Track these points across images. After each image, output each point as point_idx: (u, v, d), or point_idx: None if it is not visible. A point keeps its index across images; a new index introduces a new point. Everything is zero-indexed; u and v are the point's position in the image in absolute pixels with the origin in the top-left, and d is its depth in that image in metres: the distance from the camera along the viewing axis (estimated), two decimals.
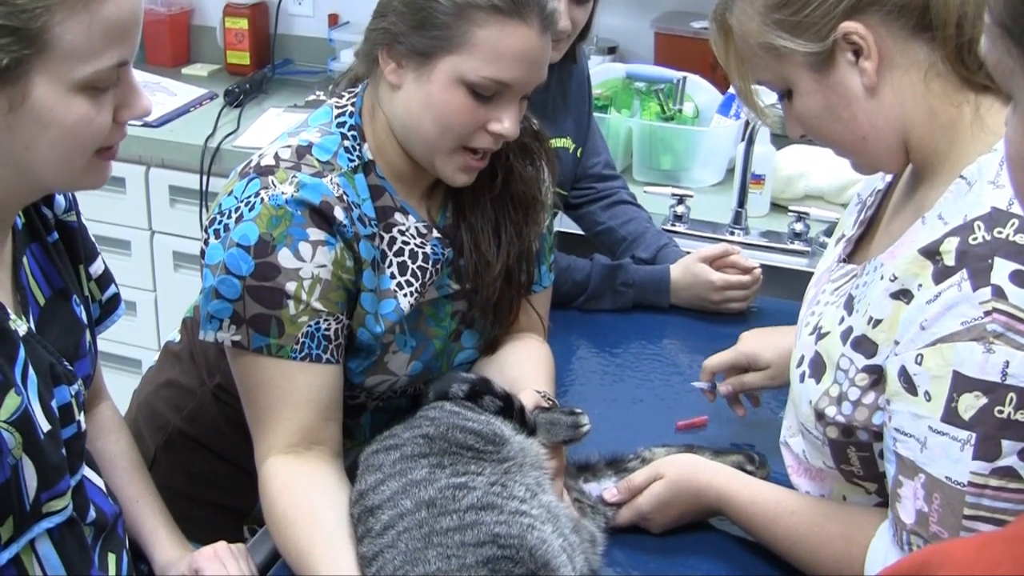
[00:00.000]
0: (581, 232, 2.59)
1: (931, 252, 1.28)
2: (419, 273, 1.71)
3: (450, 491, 1.42)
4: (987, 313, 1.21)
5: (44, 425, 1.33)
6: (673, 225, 2.77)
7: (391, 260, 1.70)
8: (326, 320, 1.60)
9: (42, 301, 1.43)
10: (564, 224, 2.58)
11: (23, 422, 1.29)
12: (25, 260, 1.42)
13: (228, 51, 3.83)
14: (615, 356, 2.16)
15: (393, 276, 1.70)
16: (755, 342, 1.89)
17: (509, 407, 1.58)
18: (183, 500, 1.79)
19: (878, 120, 1.39)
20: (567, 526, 1.47)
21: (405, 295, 1.70)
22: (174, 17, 3.90)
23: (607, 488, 1.66)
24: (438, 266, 1.74)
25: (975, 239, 1.24)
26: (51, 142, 1.25)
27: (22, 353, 1.32)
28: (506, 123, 1.63)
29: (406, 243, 1.71)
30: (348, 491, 1.54)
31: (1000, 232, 1.23)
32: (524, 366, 1.82)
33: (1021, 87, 0.96)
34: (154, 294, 3.51)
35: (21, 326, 1.35)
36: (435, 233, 1.74)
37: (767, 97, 1.57)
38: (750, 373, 1.86)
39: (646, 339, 2.22)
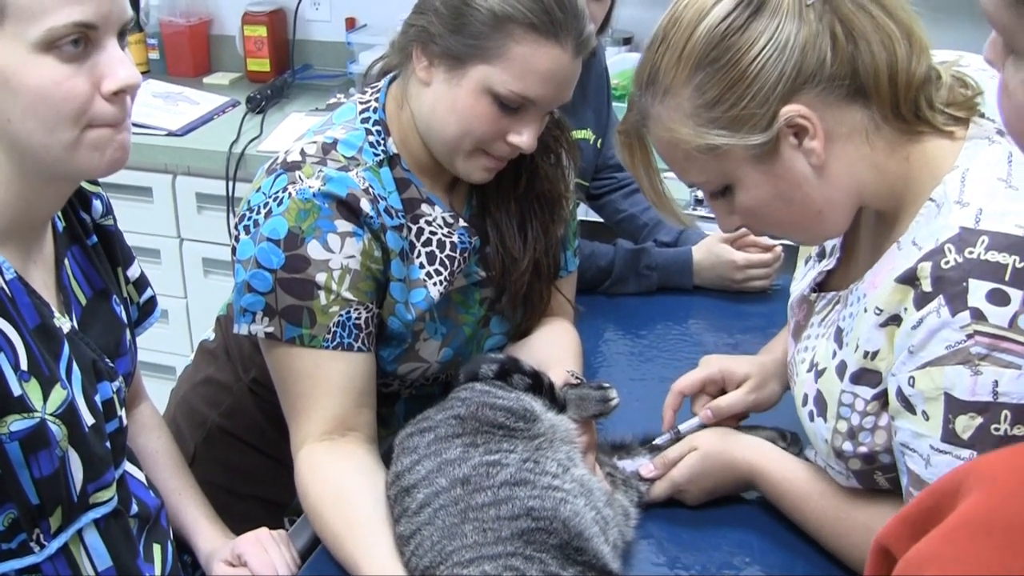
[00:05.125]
0: (603, 220, 2.61)
1: (909, 278, 1.28)
2: (447, 262, 1.75)
3: (484, 468, 1.45)
4: (969, 336, 1.21)
5: (88, 419, 1.37)
6: (694, 209, 2.77)
7: (419, 250, 1.73)
8: (356, 309, 1.63)
9: (84, 301, 1.47)
10: (586, 213, 2.60)
11: (69, 415, 1.33)
12: (67, 261, 1.45)
13: (248, 59, 3.88)
14: (641, 338, 2.19)
15: (422, 266, 1.73)
16: (723, 360, 1.78)
17: (539, 384, 1.61)
18: (223, 494, 1.82)
19: (831, 192, 1.36)
20: (600, 499, 1.50)
21: (435, 284, 1.73)
22: (193, 28, 3.94)
23: (643, 464, 1.68)
24: (465, 254, 1.77)
25: (947, 263, 1.24)
26: (25, 108, 1.25)
27: (66, 349, 1.36)
28: (525, 136, 1.66)
29: (433, 233, 1.74)
30: (383, 474, 1.56)
31: (971, 252, 1.23)
32: (552, 347, 1.85)
33: None
34: (185, 301, 3.56)
35: (65, 324, 1.39)
36: (461, 222, 1.77)
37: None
38: (728, 395, 1.74)
39: (671, 320, 2.25)
